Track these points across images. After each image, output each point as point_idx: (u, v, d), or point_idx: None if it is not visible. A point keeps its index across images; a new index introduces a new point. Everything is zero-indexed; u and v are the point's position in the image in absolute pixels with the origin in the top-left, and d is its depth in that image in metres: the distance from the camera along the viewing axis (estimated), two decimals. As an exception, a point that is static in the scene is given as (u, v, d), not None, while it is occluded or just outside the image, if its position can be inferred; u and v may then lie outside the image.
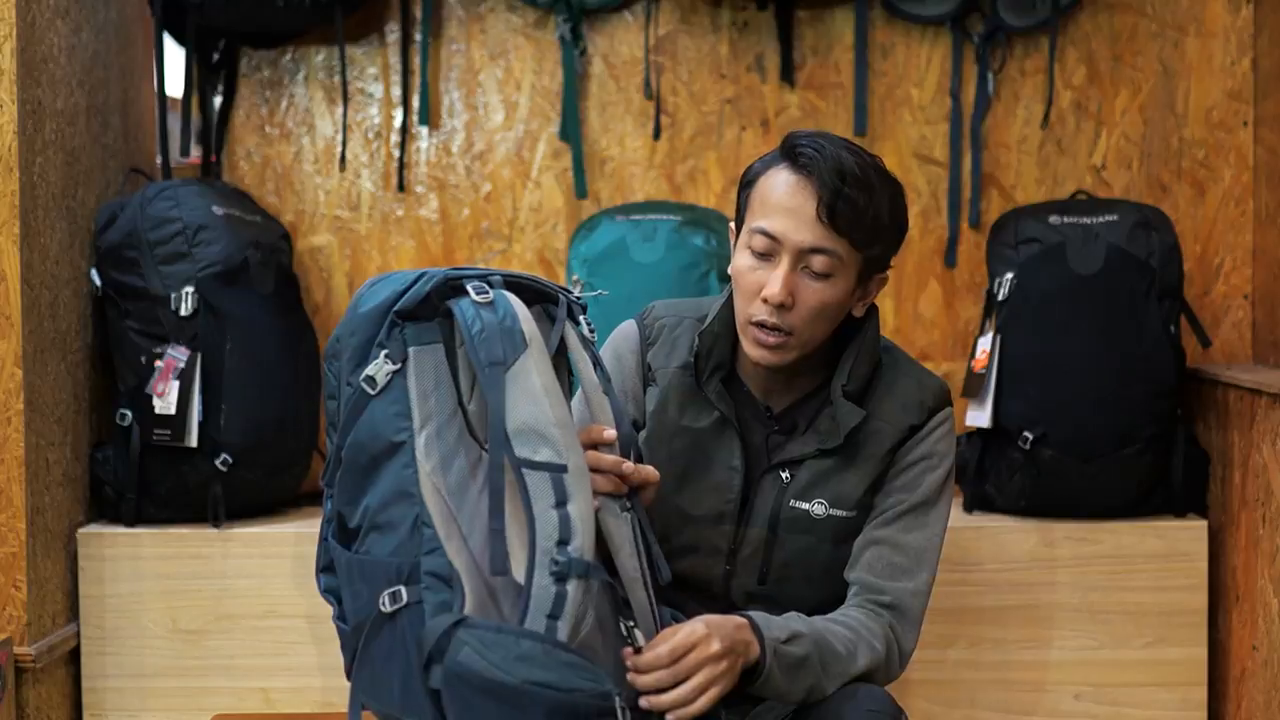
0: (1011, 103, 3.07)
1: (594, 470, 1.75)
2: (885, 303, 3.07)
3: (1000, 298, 2.79)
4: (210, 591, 2.72)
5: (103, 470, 2.76)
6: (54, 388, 2.63)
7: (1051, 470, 2.74)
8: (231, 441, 2.72)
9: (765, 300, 1.90)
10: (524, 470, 1.67)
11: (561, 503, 1.68)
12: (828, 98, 3.08)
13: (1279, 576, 2.52)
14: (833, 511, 1.99)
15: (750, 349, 1.95)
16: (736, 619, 1.83)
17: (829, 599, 2.00)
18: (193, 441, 2.70)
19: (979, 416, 2.79)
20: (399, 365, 1.70)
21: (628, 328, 2.11)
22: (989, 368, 2.78)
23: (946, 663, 2.76)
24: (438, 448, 1.69)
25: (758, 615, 1.86)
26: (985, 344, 2.80)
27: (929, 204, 3.08)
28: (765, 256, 1.91)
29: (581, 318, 1.84)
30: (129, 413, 2.72)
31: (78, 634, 2.71)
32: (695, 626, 1.76)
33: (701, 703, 1.74)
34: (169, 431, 2.69)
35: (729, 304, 2.01)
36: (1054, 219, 2.80)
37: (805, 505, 1.99)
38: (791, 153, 1.91)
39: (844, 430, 1.96)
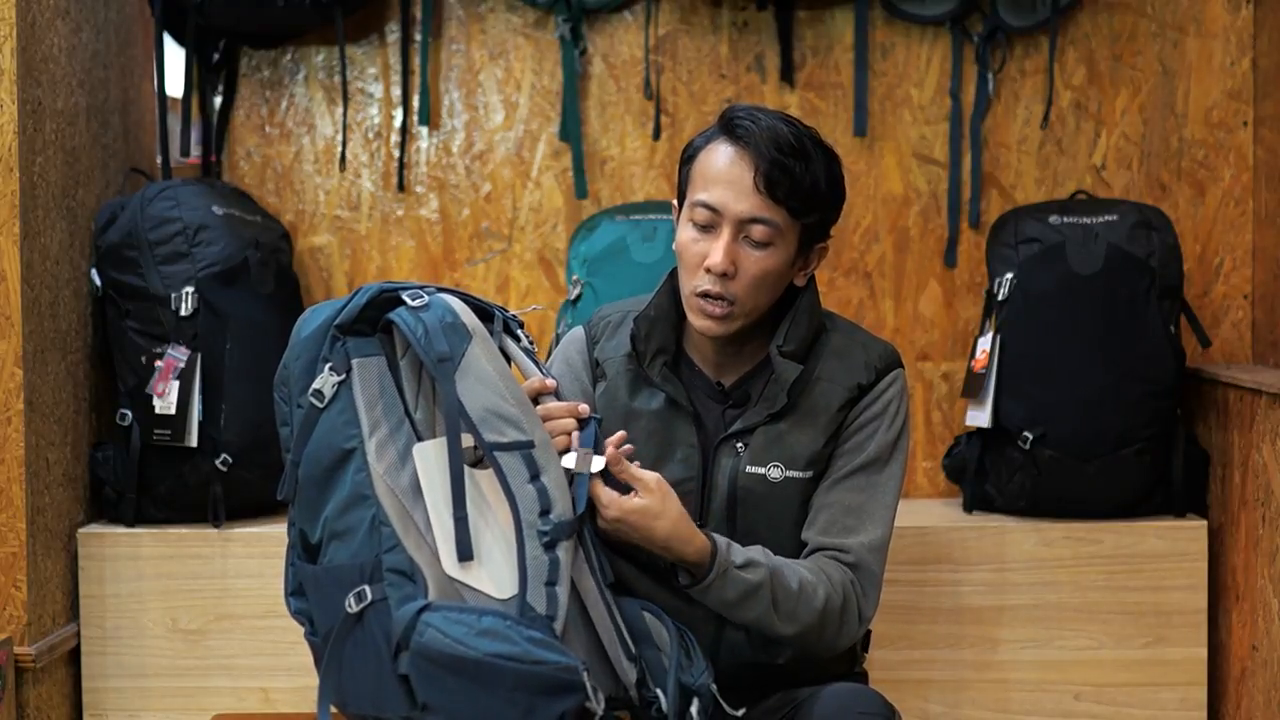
0: (1011, 103, 3.07)
1: (549, 420, 1.83)
2: (885, 303, 3.07)
3: (1000, 298, 2.79)
4: (210, 591, 2.73)
5: (103, 470, 2.76)
6: (54, 388, 2.63)
7: (1051, 470, 2.74)
8: (231, 441, 2.72)
9: (708, 270, 1.94)
10: (495, 453, 1.75)
11: (536, 476, 1.77)
12: (828, 98, 3.08)
13: (1279, 576, 2.52)
14: (789, 474, 2.00)
15: (696, 320, 1.98)
16: (700, 539, 1.88)
17: None
18: (193, 441, 2.70)
19: (979, 416, 2.79)
20: (343, 376, 1.77)
21: (575, 331, 2.15)
22: (989, 368, 2.78)
23: (946, 663, 2.76)
24: (389, 452, 1.75)
25: (721, 539, 1.90)
26: (985, 344, 2.80)
27: (929, 204, 3.08)
28: (706, 228, 1.96)
29: (520, 332, 1.91)
30: (129, 413, 2.72)
31: (78, 634, 2.71)
32: (651, 508, 1.85)
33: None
34: (169, 431, 2.69)
35: (665, 289, 2.05)
36: (1054, 219, 2.80)
37: (761, 470, 2.00)
38: (729, 126, 1.95)
39: (784, 386, 1.98)
